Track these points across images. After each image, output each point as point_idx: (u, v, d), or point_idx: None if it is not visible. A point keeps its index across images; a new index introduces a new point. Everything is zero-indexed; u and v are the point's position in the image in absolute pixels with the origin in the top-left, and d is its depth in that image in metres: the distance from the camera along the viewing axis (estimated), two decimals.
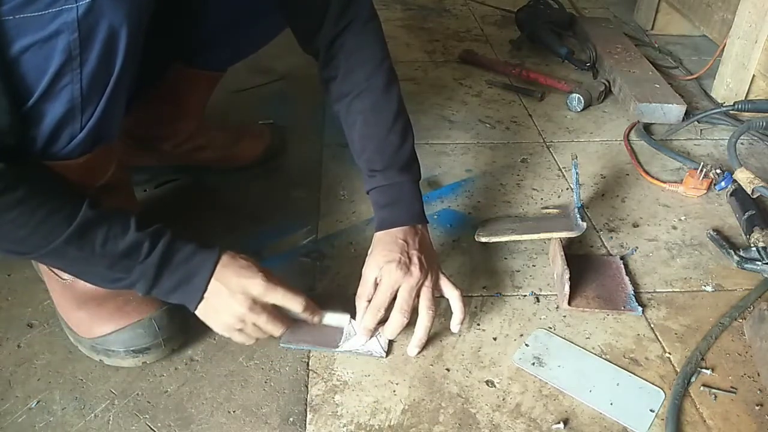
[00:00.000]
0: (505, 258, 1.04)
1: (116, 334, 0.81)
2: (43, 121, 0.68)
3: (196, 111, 1.14)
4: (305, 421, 0.77)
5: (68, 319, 0.84)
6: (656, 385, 0.83)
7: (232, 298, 0.76)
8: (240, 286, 0.76)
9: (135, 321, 0.81)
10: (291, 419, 0.77)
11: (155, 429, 0.76)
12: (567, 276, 0.92)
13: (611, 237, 1.09)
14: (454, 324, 0.88)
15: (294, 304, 0.80)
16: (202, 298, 0.76)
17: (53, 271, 0.83)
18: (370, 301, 0.84)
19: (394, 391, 0.81)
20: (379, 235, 0.88)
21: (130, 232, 0.71)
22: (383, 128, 0.89)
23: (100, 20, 0.64)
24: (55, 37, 0.62)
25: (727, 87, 1.54)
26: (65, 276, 0.82)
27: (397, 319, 0.83)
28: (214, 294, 0.75)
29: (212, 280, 0.75)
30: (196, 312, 0.77)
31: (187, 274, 0.75)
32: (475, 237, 1.06)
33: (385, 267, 0.83)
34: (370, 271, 0.85)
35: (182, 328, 0.84)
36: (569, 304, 0.94)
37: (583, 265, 1.01)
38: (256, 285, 0.76)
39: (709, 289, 0.99)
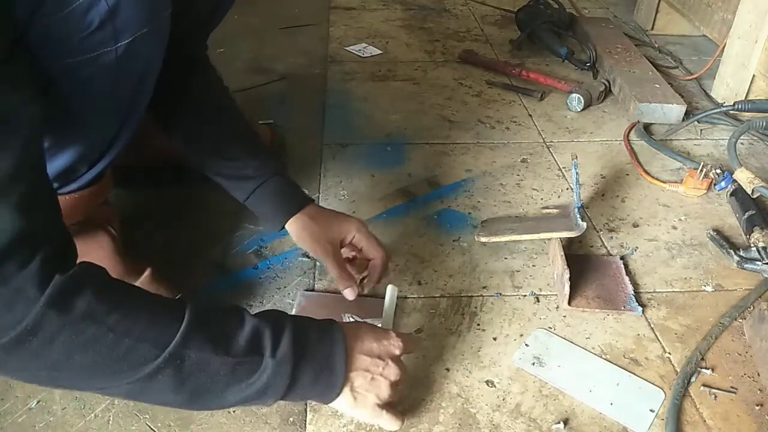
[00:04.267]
0: (505, 258, 1.04)
1: None
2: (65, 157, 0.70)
3: None
4: (305, 421, 0.77)
5: None
6: (656, 385, 0.83)
7: (382, 368, 0.69)
8: (385, 351, 0.70)
9: None
10: (291, 419, 0.77)
11: (155, 429, 0.76)
12: (567, 276, 0.92)
13: (611, 237, 1.09)
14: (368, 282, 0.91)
15: (416, 345, 0.81)
16: (346, 381, 0.67)
17: None
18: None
19: None
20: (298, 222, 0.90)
21: (247, 319, 0.62)
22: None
23: (136, 60, 0.64)
24: (90, 81, 0.63)
25: (727, 87, 1.54)
26: None
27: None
28: (359, 371, 0.68)
29: (349, 355, 0.67)
30: (335, 403, 0.68)
31: (325, 357, 0.66)
32: (475, 237, 1.06)
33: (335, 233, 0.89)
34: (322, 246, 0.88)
35: None
36: (569, 304, 0.94)
37: (583, 265, 1.01)
38: (397, 344, 0.72)
39: (709, 289, 0.99)
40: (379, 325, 0.79)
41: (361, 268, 0.93)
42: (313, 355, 0.65)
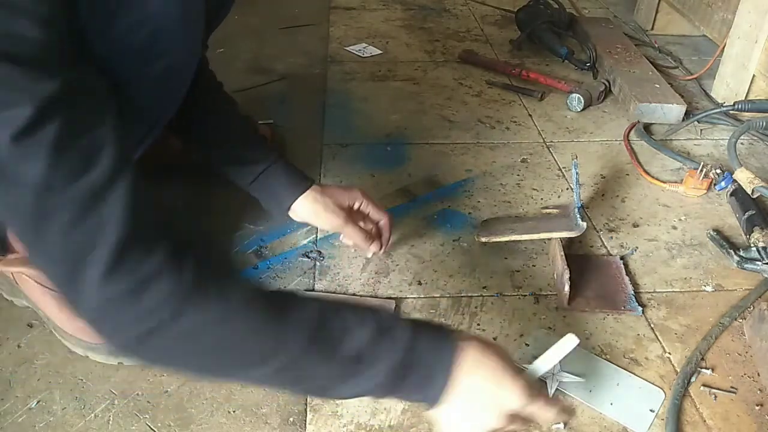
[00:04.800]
0: (505, 258, 1.04)
1: None
2: None
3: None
4: (305, 421, 0.77)
5: (74, 330, 0.82)
6: (656, 385, 0.83)
7: (483, 412, 0.60)
8: (495, 399, 0.61)
9: None
10: (291, 419, 0.77)
11: (155, 429, 0.76)
12: (567, 276, 0.92)
13: (611, 237, 1.09)
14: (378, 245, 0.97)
15: (550, 415, 0.64)
16: (440, 400, 0.60)
17: (46, 286, 0.82)
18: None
19: None
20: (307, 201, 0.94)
21: (366, 324, 0.58)
22: None
23: (179, 72, 0.69)
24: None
25: (727, 87, 1.54)
26: None
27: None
28: (460, 400, 0.60)
29: (456, 379, 0.60)
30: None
31: (428, 372, 0.60)
32: (475, 237, 1.06)
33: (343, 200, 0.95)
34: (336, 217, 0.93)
35: None
36: (569, 304, 0.94)
37: (583, 265, 1.01)
38: (516, 399, 0.60)
39: (709, 289, 0.99)
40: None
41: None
42: (419, 367, 0.60)
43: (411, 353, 0.59)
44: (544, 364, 0.67)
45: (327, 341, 0.57)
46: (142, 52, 0.61)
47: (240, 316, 0.54)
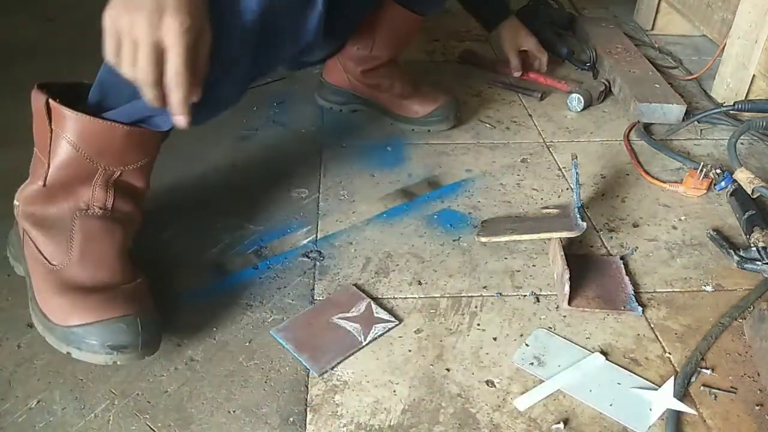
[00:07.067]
0: (505, 258, 1.04)
1: (96, 326, 0.76)
2: None
3: (388, 45, 1.36)
4: (305, 421, 0.77)
5: (44, 305, 0.80)
6: (656, 385, 0.83)
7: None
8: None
9: (119, 315, 0.77)
10: (291, 419, 0.77)
11: (155, 429, 0.76)
12: (567, 276, 0.92)
13: (611, 237, 1.09)
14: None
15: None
16: None
17: (42, 254, 0.82)
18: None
19: (394, 391, 0.81)
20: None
21: None
22: None
23: None
24: None
25: (727, 87, 1.54)
26: (54, 261, 0.81)
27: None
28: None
29: None
30: None
31: None
32: (475, 237, 1.06)
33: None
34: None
35: (158, 337, 0.81)
36: (569, 304, 0.94)
37: (583, 265, 1.01)
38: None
39: (709, 289, 0.99)
40: None
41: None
42: None
43: None
44: None
45: None
46: None
47: None
